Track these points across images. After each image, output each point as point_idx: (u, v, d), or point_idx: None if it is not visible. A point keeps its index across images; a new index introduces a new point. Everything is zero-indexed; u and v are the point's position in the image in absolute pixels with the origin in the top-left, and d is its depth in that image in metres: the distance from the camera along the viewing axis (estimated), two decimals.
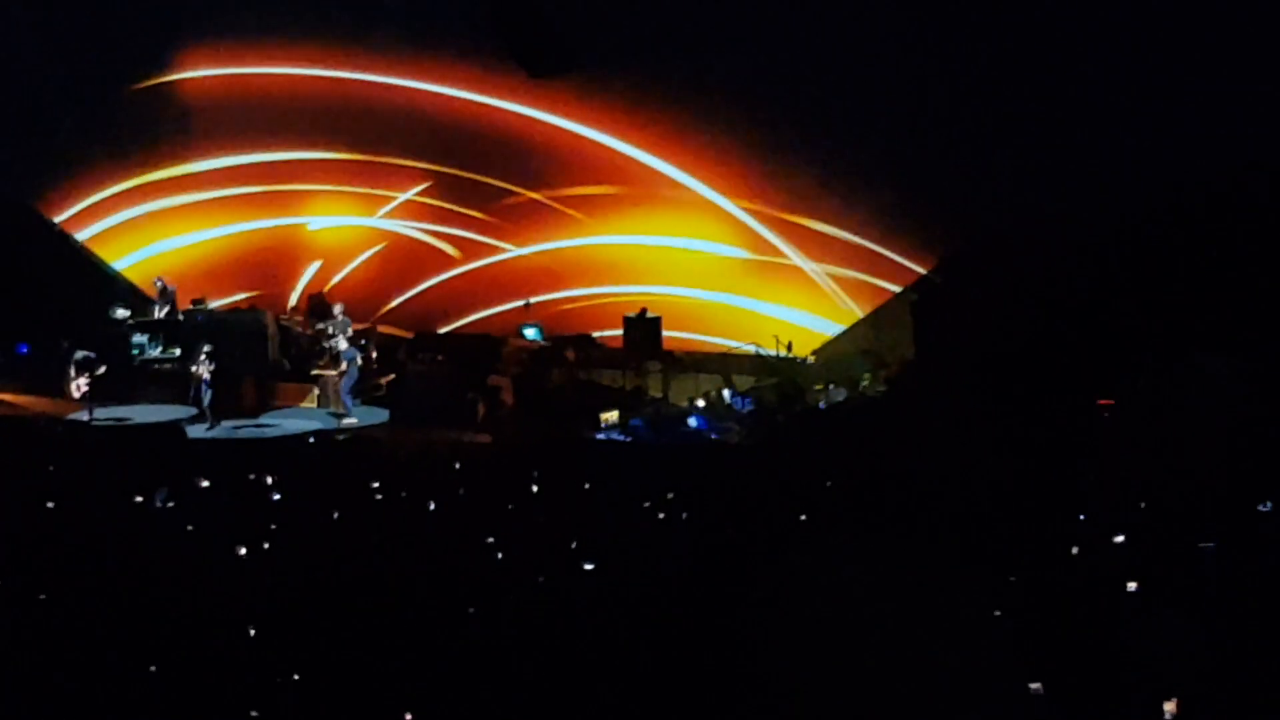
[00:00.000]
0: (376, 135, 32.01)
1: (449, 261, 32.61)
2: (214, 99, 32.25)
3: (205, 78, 32.38)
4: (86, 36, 31.51)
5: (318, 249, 33.37)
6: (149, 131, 32.47)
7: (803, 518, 16.75)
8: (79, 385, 28.11)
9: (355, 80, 31.76)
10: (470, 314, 32.39)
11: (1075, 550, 14.68)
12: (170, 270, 32.31)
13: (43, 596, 13.48)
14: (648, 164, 30.80)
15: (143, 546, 15.47)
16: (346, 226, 33.21)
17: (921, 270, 28.96)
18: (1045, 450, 20.23)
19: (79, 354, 28.27)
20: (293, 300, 33.40)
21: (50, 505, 17.34)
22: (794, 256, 30.26)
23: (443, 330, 32.35)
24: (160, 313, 30.25)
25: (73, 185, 32.97)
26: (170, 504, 17.45)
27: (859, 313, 29.89)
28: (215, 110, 32.25)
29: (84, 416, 27.99)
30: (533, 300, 31.30)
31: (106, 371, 28.18)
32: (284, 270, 33.47)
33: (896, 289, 29.29)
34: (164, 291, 30.53)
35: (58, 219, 33.23)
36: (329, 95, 31.91)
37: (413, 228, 32.79)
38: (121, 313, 30.18)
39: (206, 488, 18.92)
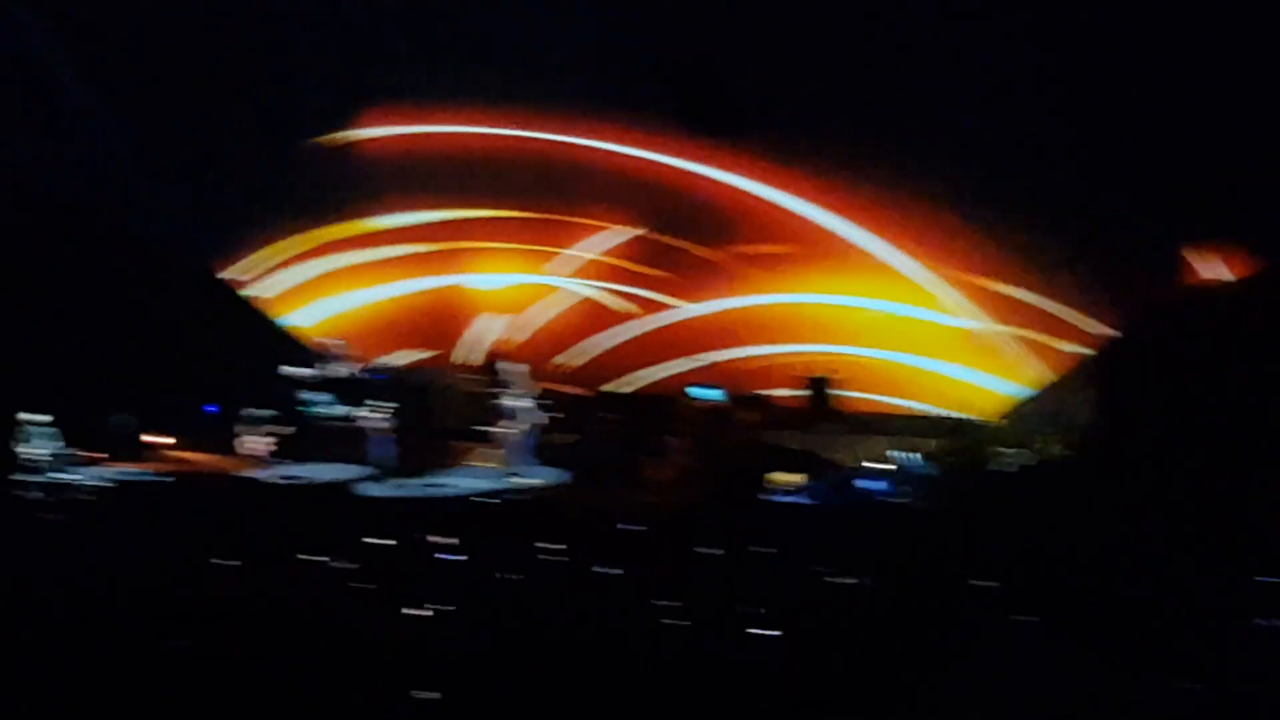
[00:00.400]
0: (554, 193, 32.11)
1: (627, 319, 32.60)
2: (392, 157, 32.51)
3: (383, 137, 32.66)
4: (268, 96, 31.92)
5: (495, 307, 33.49)
6: (326, 190, 32.79)
7: (981, 582, 16.40)
8: (260, 443, 28.36)
9: (534, 140, 31.89)
10: (645, 372, 32.32)
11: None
12: (347, 328, 32.60)
13: (222, 653, 13.48)
14: (826, 225, 30.66)
15: (321, 603, 15.48)
16: (525, 285, 33.31)
17: (1106, 333, 28.54)
18: (1232, 524, 19.65)
19: (260, 412, 28.53)
20: (471, 358, 33.51)
21: (233, 563, 17.40)
22: (978, 318, 29.96)
23: (619, 389, 32.28)
24: (334, 371, 30.44)
25: (250, 245, 33.35)
26: (346, 562, 17.45)
27: (1042, 377, 29.50)
28: (393, 169, 32.50)
29: (264, 475, 28.20)
30: (710, 360, 31.26)
31: (286, 429, 28.42)
32: (461, 328, 33.63)
33: (1081, 352, 28.91)
34: (337, 350, 30.74)
35: (235, 277, 33.64)
36: (507, 154, 32.09)
37: (591, 286, 32.82)
38: (298, 371, 30.41)
39: (382, 546, 18.92)
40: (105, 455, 29.29)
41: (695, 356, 31.77)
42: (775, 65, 29.45)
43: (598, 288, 32.82)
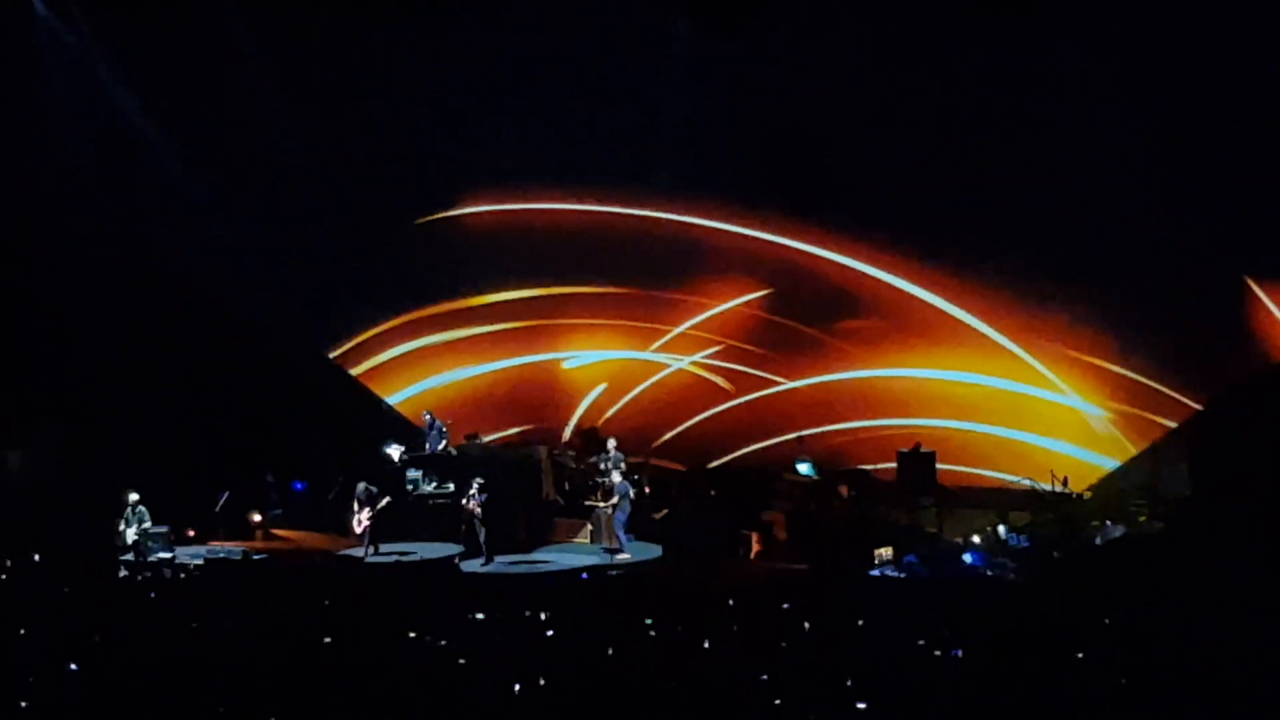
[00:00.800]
0: (649, 270, 32.27)
1: (722, 395, 32.66)
2: (493, 235, 32.74)
3: (485, 214, 32.92)
4: (367, 176, 32.30)
5: (589, 382, 33.63)
6: (423, 267, 33.04)
7: (1079, 656, 16.25)
8: (361, 519, 28.52)
9: (629, 215, 32.10)
10: (743, 447, 32.33)
11: None
12: (444, 404, 32.84)
13: None
14: (919, 297, 30.69)
15: (419, 682, 15.52)
16: (618, 360, 33.43)
17: (1197, 406, 28.39)
18: None
19: (362, 487, 28.70)
20: (569, 434, 33.64)
21: (326, 640, 17.48)
22: (1069, 392, 29.86)
23: (716, 464, 32.30)
24: (432, 447, 30.61)
25: (348, 320, 33.65)
26: (443, 638, 17.49)
27: (1134, 449, 29.34)
28: (495, 246, 32.72)
29: (362, 552, 28.36)
30: (805, 434, 31.22)
31: (384, 506, 28.56)
32: (557, 403, 33.78)
33: (1172, 424, 28.77)
34: (434, 426, 30.91)
35: (333, 354, 33.95)
36: (601, 231, 32.30)
37: (685, 361, 32.92)
38: (395, 449, 30.59)
39: (481, 622, 18.96)
40: (203, 532, 29.59)
41: (794, 431, 31.73)
42: (874, 141, 29.49)
43: (695, 363, 32.88)
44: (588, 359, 33.67)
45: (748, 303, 32.17)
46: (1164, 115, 27.64)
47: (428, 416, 31.21)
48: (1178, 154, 27.54)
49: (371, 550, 28.29)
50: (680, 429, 33.03)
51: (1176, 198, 27.71)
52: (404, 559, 27.89)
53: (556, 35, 30.71)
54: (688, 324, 32.71)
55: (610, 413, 33.46)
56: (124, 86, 32.11)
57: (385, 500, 28.68)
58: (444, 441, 30.56)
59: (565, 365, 33.80)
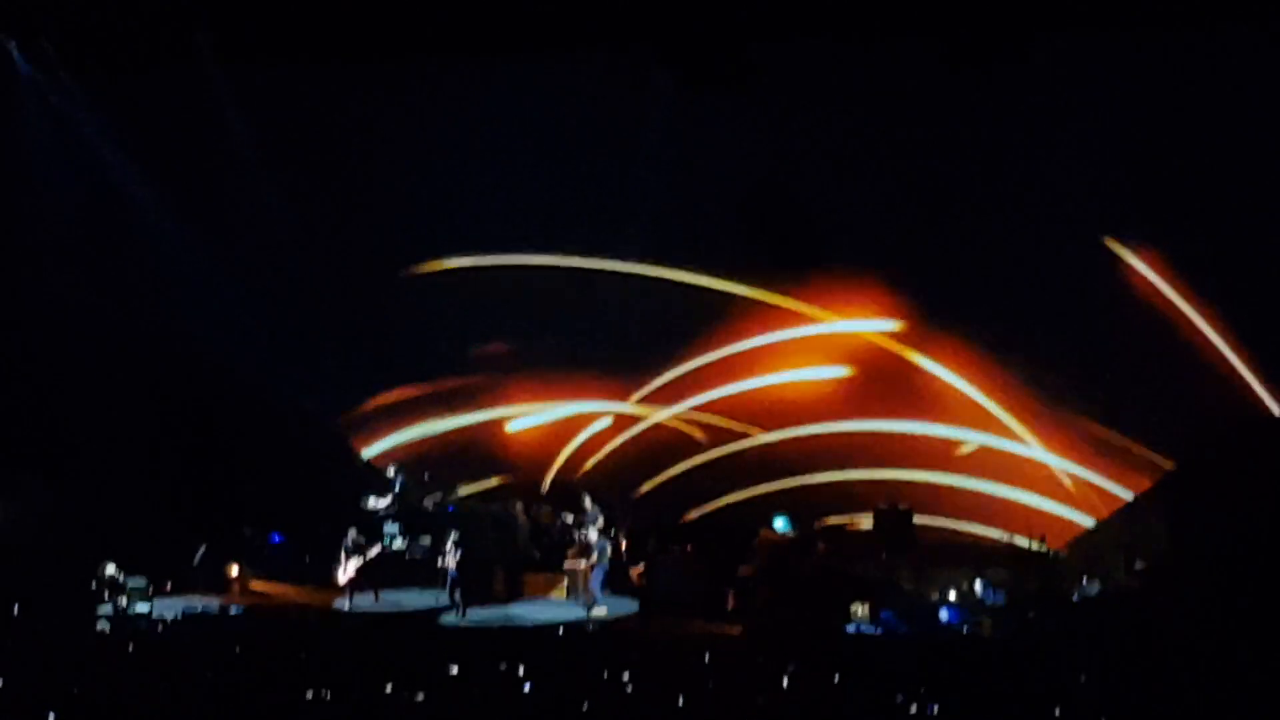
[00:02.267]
0: (629, 323, 32.31)
1: (701, 447, 32.70)
2: (471, 291, 32.73)
3: (464, 269, 32.96)
4: (349, 236, 32.35)
5: (568, 437, 33.62)
6: (406, 323, 33.04)
7: (1056, 713, 16.34)
8: (347, 569, 28.51)
9: (605, 271, 32.21)
10: (720, 499, 32.35)
11: None
12: (421, 458, 32.88)
13: None
14: (898, 353, 30.83)
15: None
16: (596, 413, 33.44)
17: (1174, 463, 28.54)
18: None
19: (351, 537, 28.70)
20: (545, 488, 33.62)
21: (305, 694, 17.50)
22: (1038, 450, 30.01)
23: (692, 518, 32.30)
24: (409, 502, 30.63)
25: (323, 376, 33.63)
26: (420, 692, 17.51)
27: (1110, 506, 29.48)
28: (471, 301, 32.70)
29: (343, 605, 28.34)
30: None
31: (361, 560, 28.56)
32: (535, 458, 33.76)
33: (1150, 480, 28.92)
34: (411, 481, 30.92)
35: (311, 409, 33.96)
36: (579, 286, 32.35)
37: (665, 414, 32.97)
38: (374, 502, 30.60)
39: (457, 677, 18.98)
40: (181, 585, 29.53)
41: (770, 483, 31.76)
42: (857, 198, 29.63)
43: (670, 417, 32.93)
44: (564, 413, 33.64)
45: (725, 357, 32.15)
46: (1152, 171, 27.72)
47: (392, 471, 31.28)
48: (1162, 207, 27.63)
49: (363, 600, 28.31)
50: (655, 482, 32.99)
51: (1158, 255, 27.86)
52: (380, 611, 27.93)
53: (538, 91, 30.76)
54: (667, 377, 32.71)
55: (588, 465, 33.44)
56: (110, 145, 32.12)
57: (376, 549, 28.73)
58: (421, 495, 30.62)
59: (542, 421, 33.75)
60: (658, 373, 32.81)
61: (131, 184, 32.30)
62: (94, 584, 27.46)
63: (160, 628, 25.45)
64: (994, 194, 28.72)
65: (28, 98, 31.88)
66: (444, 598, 27.95)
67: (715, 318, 31.98)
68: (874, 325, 31.09)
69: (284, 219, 32.06)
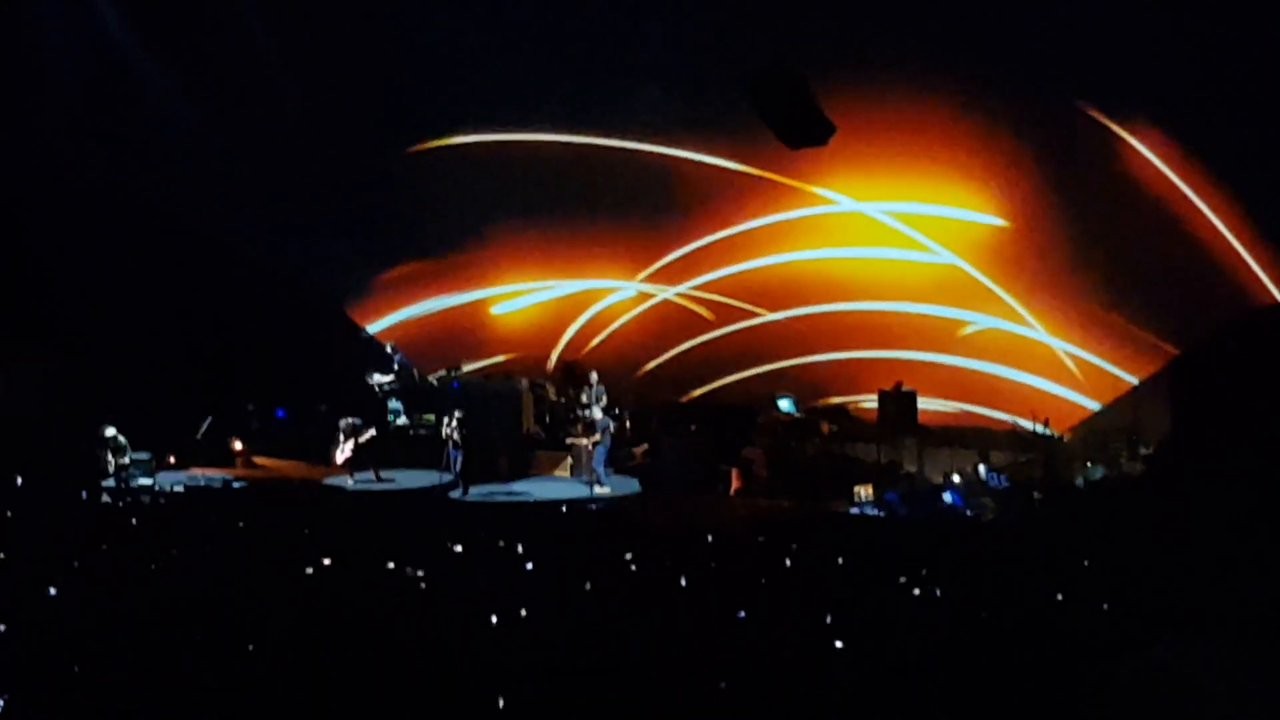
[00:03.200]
0: (632, 201, 32.10)
1: (707, 326, 32.59)
2: (478, 168, 32.50)
3: (470, 145, 32.72)
4: (356, 109, 32.12)
5: (574, 314, 33.54)
6: (411, 201, 32.84)
7: (1059, 597, 16.31)
8: (345, 450, 28.55)
9: (614, 148, 31.95)
10: (726, 378, 32.30)
11: None
12: (427, 334, 32.86)
13: (298, 662, 13.55)
14: (900, 231, 30.63)
15: (397, 612, 15.53)
16: (598, 290, 33.33)
17: (1182, 348, 28.41)
18: None
19: (346, 420, 28.73)
20: (550, 366, 33.59)
21: (308, 570, 17.49)
22: (1042, 333, 29.89)
23: (697, 394, 32.25)
24: (413, 378, 30.64)
25: (328, 253, 33.52)
26: (422, 568, 17.49)
27: (1117, 390, 29.37)
28: (479, 178, 32.46)
29: (344, 482, 28.40)
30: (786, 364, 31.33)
31: (365, 436, 28.59)
32: (541, 335, 33.71)
33: (1157, 365, 28.80)
34: (397, 360, 30.90)
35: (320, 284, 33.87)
36: (587, 161, 32.12)
37: (670, 291, 32.85)
38: (379, 378, 30.58)
39: (459, 553, 18.98)
40: (185, 459, 29.60)
41: (774, 363, 31.70)
42: (864, 73, 29.27)
43: (677, 294, 32.82)
44: (569, 289, 33.54)
45: (732, 235, 31.97)
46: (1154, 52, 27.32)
47: (390, 348, 31.26)
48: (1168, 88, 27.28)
49: (372, 478, 28.40)
50: (660, 361, 32.93)
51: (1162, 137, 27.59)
52: (383, 487, 28.00)
53: None
54: (672, 255, 32.56)
55: (594, 343, 33.38)
56: (118, 19, 31.82)
57: (370, 432, 28.73)
58: (425, 372, 30.64)
59: (548, 297, 33.65)
60: (664, 250, 32.60)
61: (135, 52, 32.00)
62: (96, 451, 27.48)
63: (163, 500, 25.49)
64: (1005, 70, 28.28)
65: None
66: (447, 475, 27.96)
67: (722, 195, 31.72)
68: (880, 206, 30.79)
69: (288, 96, 31.81)
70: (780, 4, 28.93)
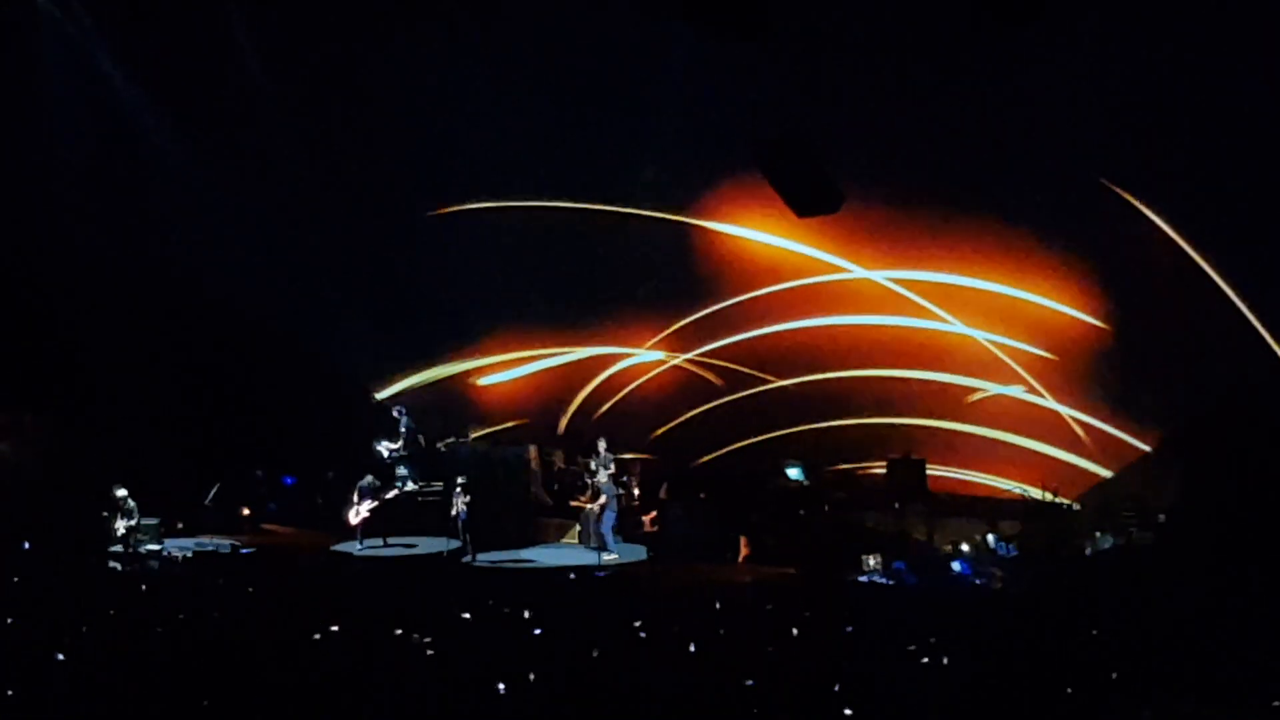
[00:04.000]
0: (644, 270, 32.18)
1: (716, 394, 32.57)
2: (487, 237, 32.62)
3: (479, 210, 32.86)
4: (365, 175, 32.23)
5: (582, 381, 33.55)
6: (422, 266, 32.96)
7: (1067, 666, 16.28)
8: (360, 510, 28.57)
9: (621, 214, 32.09)
10: (733, 444, 32.26)
11: None
12: (434, 399, 32.94)
13: None
14: (916, 301, 30.66)
15: (403, 678, 15.53)
16: (608, 355, 33.35)
17: (1190, 418, 28.38)
18: None
19: (365, 480, 28.76)
20: (558, 433, 33.58)
21: (315, 636, 17.49)
22: (1050, 401, 29.90)
23: (704, 461, 32.20)
24: (421, 445, 30.64)
25: (344, 320, 33.63)
26: (428, 638, 17.48)
27: (1125, 458, 29.34)
28: (488, 247, 32.58)
29: (352, 547, 28.38)
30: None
31: (373, 502, 28.60)
32: (549, 402, 33.72)
33: (1165, 435, 28.76)
34: (404, 423, 30.94)
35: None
36: (591, 228, 32.24)
37: (678, 359, 32.87)
38: (385, 445, 30.58)
39: (466, 620, 18.96)
40: (193, 525, 29.60)
41: (784, 430, 31.67)
42: (873, 146, 29.36)
43: (685, 361, 32.84)
44: (578, 357, 33.58)
45: (741, 302, 32.01)
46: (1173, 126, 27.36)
47: (396, 412, 31.29)
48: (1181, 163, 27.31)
49: (380, 543, 28.39)
50: (669, 428, 32.93)
51: (1180, 209, 27.61)
52: (387, 554, 27.99)
53: (553, 35, 30.52)
54: (683, 321, 32.60)
55: (603, 409, 33.37)
56: (127, 79, 31.97)
57: (392, 493, 28.80)
58: (433, 439, 30.66)
59: (557, 364, 33.68)
60: (676, 318, 32.66)
61: (147, 117, 32.15)
62: (104, 513, 27.49)
63: (171, 566, 25.50)
64: (1010, 145, 28.35)
65: (45, 30, 31.69)
66: (454, 541, 27.94)
67: (732, 263, 31.80)
68: (887, 274, 30.84)
69: (299, 160, 31.92)
70: (798, 83, 29.07)
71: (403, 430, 30.75)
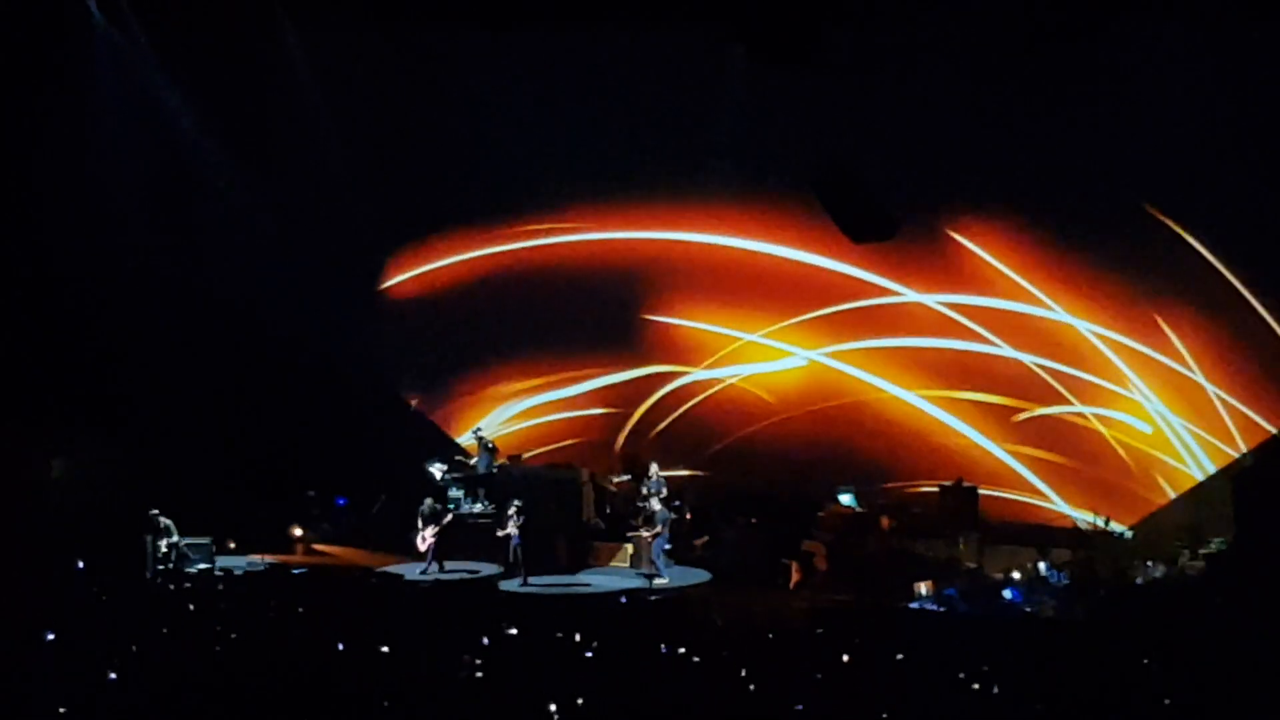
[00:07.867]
0: (698, 290, 32.19)
1: (771, 414, 32.45)
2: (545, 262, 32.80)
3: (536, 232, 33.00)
4: (415, 195, 32.38)
5: (634, 403, 33.50)
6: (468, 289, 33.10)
7: (1118, 696, 16.20)
8: (425, 536, 28.59)
9: (681, 242, 32.15)
10: (788, 466, 32.10)
11: None
12: (487, 421, 33.07)
13: None
14: (961, 322, 30.59)
15: (455, 702, 15.55)
16: (661, 374, 33.31)
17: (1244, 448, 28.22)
18: None
19: (428, 504, 28.78)
20: (609, 456, 33.52)
21: (362, 655, 17.51)
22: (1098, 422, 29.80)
23: (757, 487, 32.04)
24: (482, 466, 30.70)
25: (400, 342, 33.76)
26: (479, 661, 17.47)
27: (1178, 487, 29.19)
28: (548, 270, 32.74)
29: (422, 570, 28.34)
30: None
31: (450, 522, 28.66)
32: (600, 426, 33.70)
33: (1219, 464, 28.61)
34: (483, 444, 30.99)
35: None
36: (655, 256, 32.29)
37: (737, 376, 32.82)
38: (437, 467, 30.60)
39: (518, 644, 18.96)
40: (244, 545, 29.68)
41: (834, 454, 31.51)
42: (929, 172, 29.33)
43: (745, 378, 32.79)
44: (628, 378, 33.54)
45: (801, 322, 31.92)
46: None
47: (479, 435, 31.36)
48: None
49: (435, 568, 28.40)
50: (722, 450, 32.83)
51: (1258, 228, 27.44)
52: (440, 577, 28.01)
53: (609, 58, 30.58)
54: (739, 342, 32.56)
55: (659, 427, 33.30)
56: (179, 97, 32.10)
57: (449, 516, 28.81)
58: (486, 462, 30.70)
59: (606, 385, 33.64)
60: (731, 339, 32.63)
61: (199, 135, 32.27)
62: (152, 537, 27.58)
63: (222, 586, 25.56)
64: (1063, 176, 28.32)
65: (100, 47, 31.85)
66: (506, 565, 27.96)
67: (782, 284, 31.76)
68: (941, 298, 30.77)
69: (353, 184, 32.05)
70: (850, 107, 29.10)
71: (485, 446, 30.85)
